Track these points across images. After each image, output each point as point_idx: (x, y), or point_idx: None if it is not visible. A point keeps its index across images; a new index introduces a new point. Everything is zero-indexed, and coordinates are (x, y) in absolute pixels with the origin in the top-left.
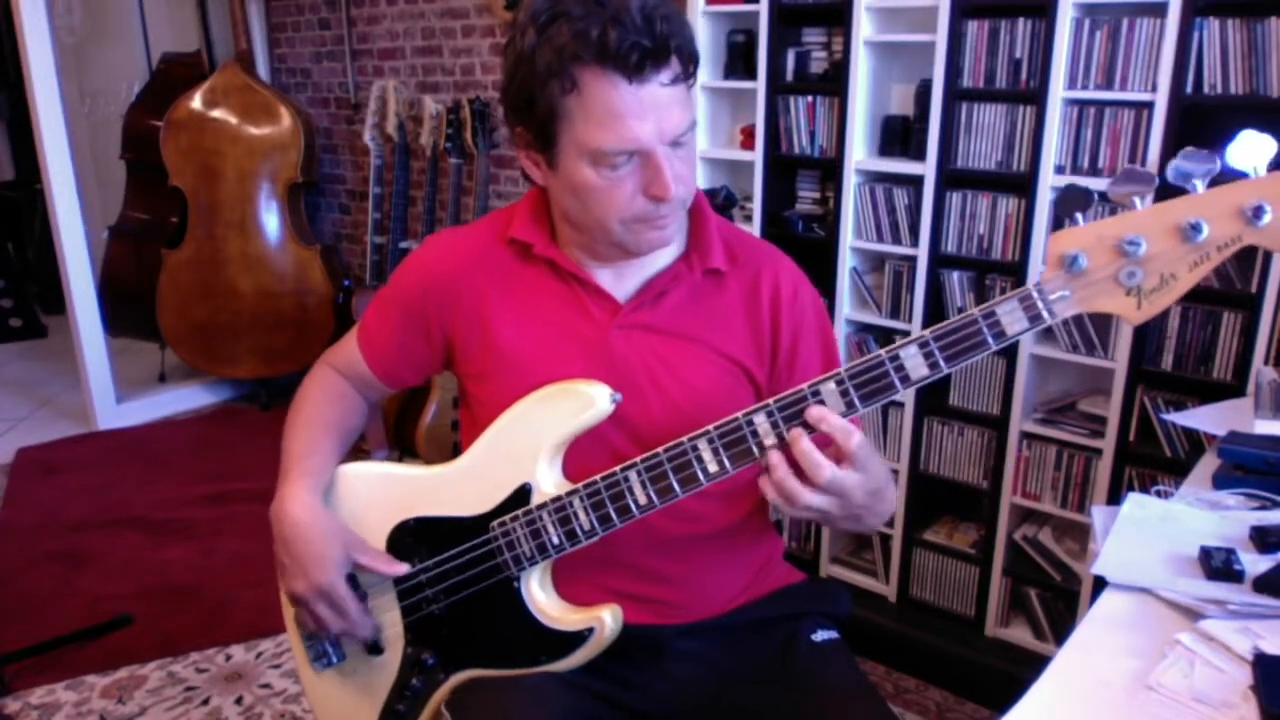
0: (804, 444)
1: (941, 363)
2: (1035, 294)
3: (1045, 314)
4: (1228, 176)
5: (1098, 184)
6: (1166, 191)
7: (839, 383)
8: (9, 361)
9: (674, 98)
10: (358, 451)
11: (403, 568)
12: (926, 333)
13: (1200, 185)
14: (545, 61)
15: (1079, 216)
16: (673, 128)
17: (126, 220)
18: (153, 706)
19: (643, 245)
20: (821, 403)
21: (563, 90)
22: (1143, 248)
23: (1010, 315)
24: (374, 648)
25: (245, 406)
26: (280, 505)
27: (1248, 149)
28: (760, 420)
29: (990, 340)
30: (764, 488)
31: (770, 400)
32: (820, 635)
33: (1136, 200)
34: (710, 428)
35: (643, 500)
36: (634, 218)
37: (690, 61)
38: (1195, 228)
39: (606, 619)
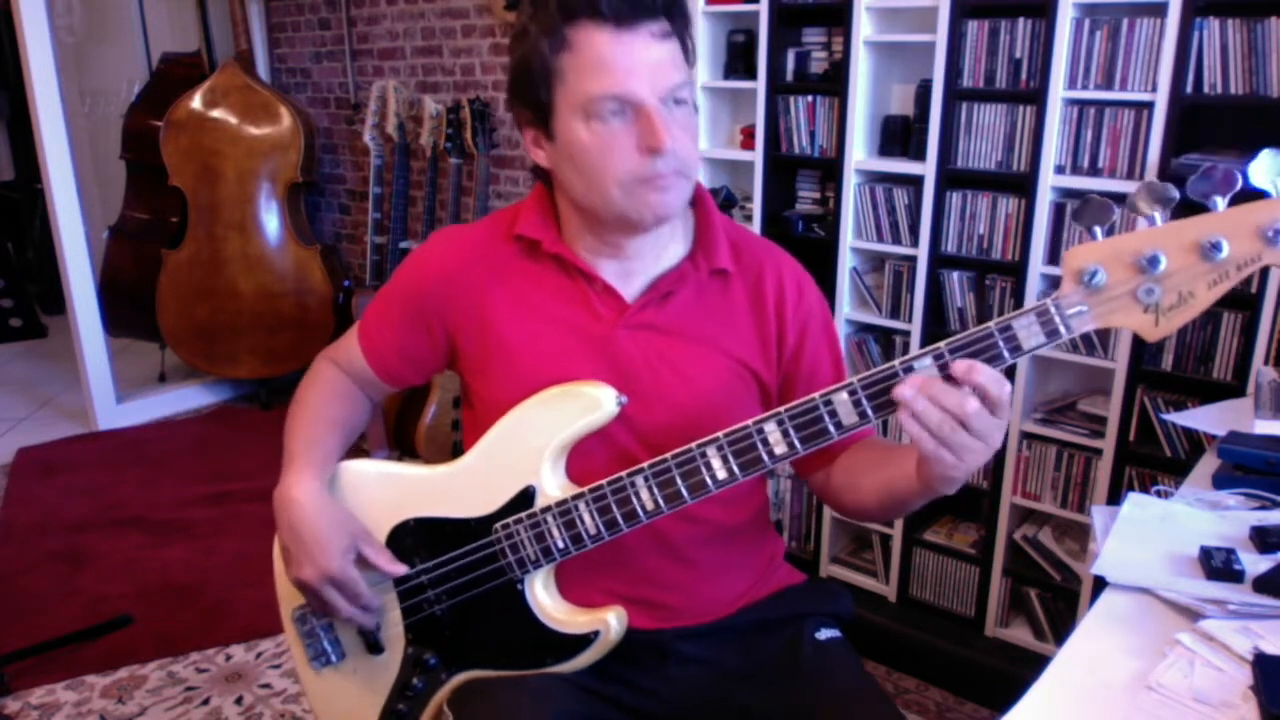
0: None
1: None
2: (1053, 309)
3: (1062, 329)
4: (1249, 194)
5: (1097, 184)
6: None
7: (851, 393)
8: (9, 361)
9: (666, 53)
10: (358, 451)
11: (402, 568)
12: (942, 345)
13: (1221, 203)
14: (538, 27)
15: (1098, 230)
16: (665, 80)
17: (126, 220)
18: (153, 706)
19: (644, 212)
20: (834, 413)
21: (554, 50)
22: (1162, 264)
23: (1027, 330)
24: (374, 647)
25: (245, 406)
26: (286, 491)
27: (1269, 167)
28: (771, 428)
29: (1006, 354)
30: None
31: (781, 409)
32: (824, 634)
33: (1156, 215)
34: (720, 435)
35: (649, 505)
36: (632, 177)
37: (681, 20)
38: (1215, 246)
39: (612, 621)
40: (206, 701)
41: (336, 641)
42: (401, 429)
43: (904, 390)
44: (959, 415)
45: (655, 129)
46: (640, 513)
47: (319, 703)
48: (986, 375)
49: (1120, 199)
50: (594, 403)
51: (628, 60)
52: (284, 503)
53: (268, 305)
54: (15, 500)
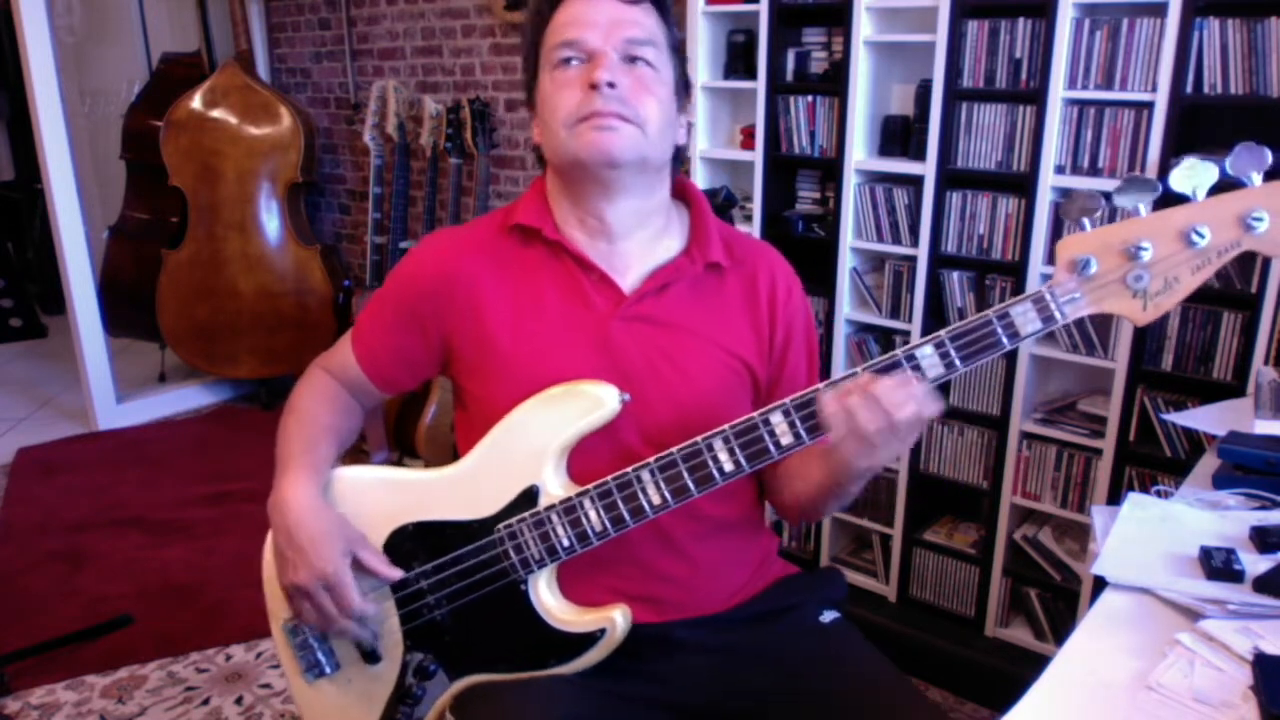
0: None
1: (957, 362)
2: (1048, 296)
3: (1058, 315)
4: (1229, 184)
5: (1097, 184)
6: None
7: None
8: (9, 361)
9: (629, 14)
10: (357, 453)
11: (399, 573)
12: (942, 333)
13: (1201, 193)
14: (531, 12)
15: (1085, 221)
16: (620, 32)
17: (126, 220)
18: (153, 706)
19: (589, 152)
20: None
21: (539, 29)
22: (1149, 252)
23: (1024, 316)
24: (370, 656)
25: (245, 406)
26: (281, 495)
27: (1246, 159)
28: (777, 419)
29: (1005, 340)
30: (845, 406)
31: (786, 400)
32: (826, 617)
33: (1140, 207)
34: (725, 426)
35: (656, 500)
36: (575, 115)
37: None
38: (1198, 233)
39: (617, 619)
40: (206, 701)
41: (331, 651)
42: (402, 430)
43: (826, 400)
44: (889, 410)
45: (595, 65)
46: (647, 508)
47: (312, 715)
48: (919, 391)
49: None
50: (596, 402)
51: (587, 15)
52: (279, 506)
53: (268, 305)
54: (15, 500)
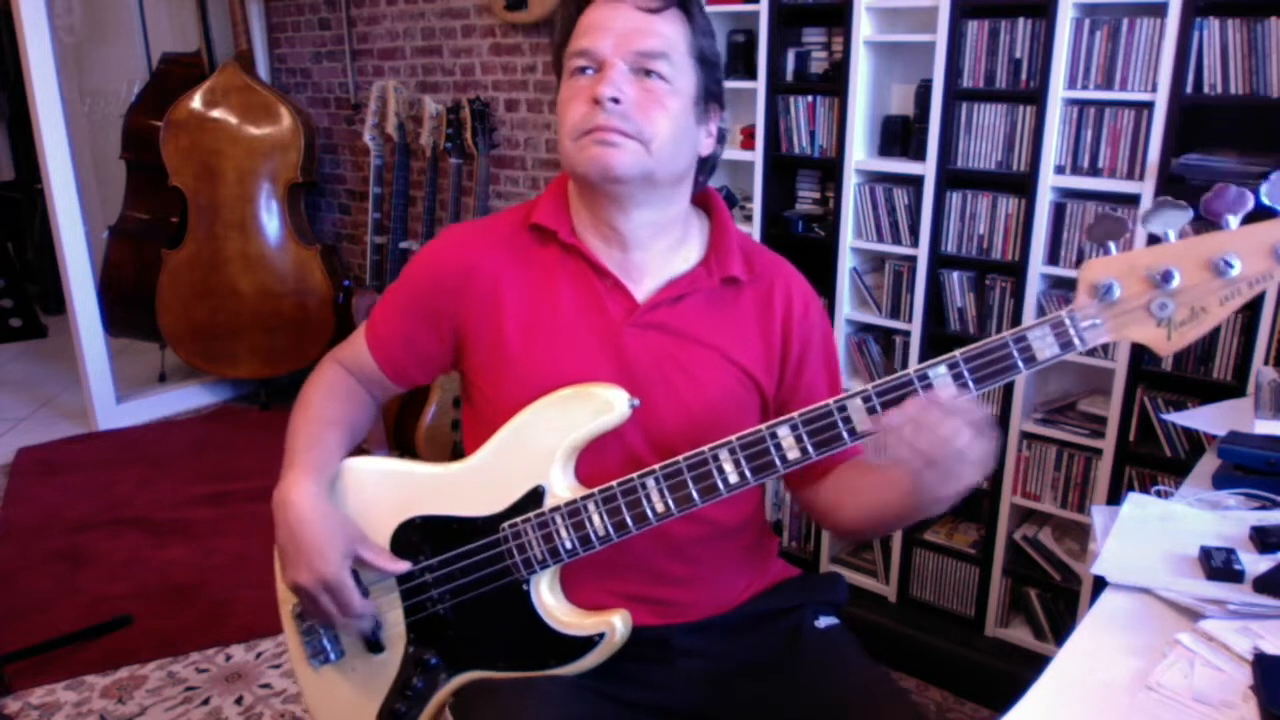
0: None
1: (971, 384)
2: (1068, 321)
3: (1077, 341)
4: (1261, 214)
5: (1097, 184)
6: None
7: (866, 399)
8: (9, 361)
9: (647, 23)
10: (359, 452)
11: (404, 566)
12: (957, 354)
13: (1234, 221)
14: (559, 16)
15: (1112, 245)
16: (630, 44)
17: (126, 220)
18: (153, 706)
19: (590, 166)
20: (848, 419)
21: (565, 31)
22: (1175, 280)
23: (1042, 340)
24: (374, 646)
25: (245, 406)
26: (284, 493)
27: None
28: (784, 432)
29: (1020, 364)
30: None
31: (795, 414)
32: (823, 622)
33: (1170, 232)
34: (733, 438)
35: (660, 508)
36: (580, 128)
37: (687, 4)
38: (1228, 263)
39: (617, 624)
40: (206, 701)
41: (336, 639)
42: (401, 429)
43: (894, 417)
44: (950, 439)
45: (601, 79)
46: (650, 515)
47: (315, 701)
48: (964, 402)
49: (1122, 199)
50: (606, 405)
51: (602, 22)
52: (281, 506)
53: (268, 305)
54: (15, 500)
